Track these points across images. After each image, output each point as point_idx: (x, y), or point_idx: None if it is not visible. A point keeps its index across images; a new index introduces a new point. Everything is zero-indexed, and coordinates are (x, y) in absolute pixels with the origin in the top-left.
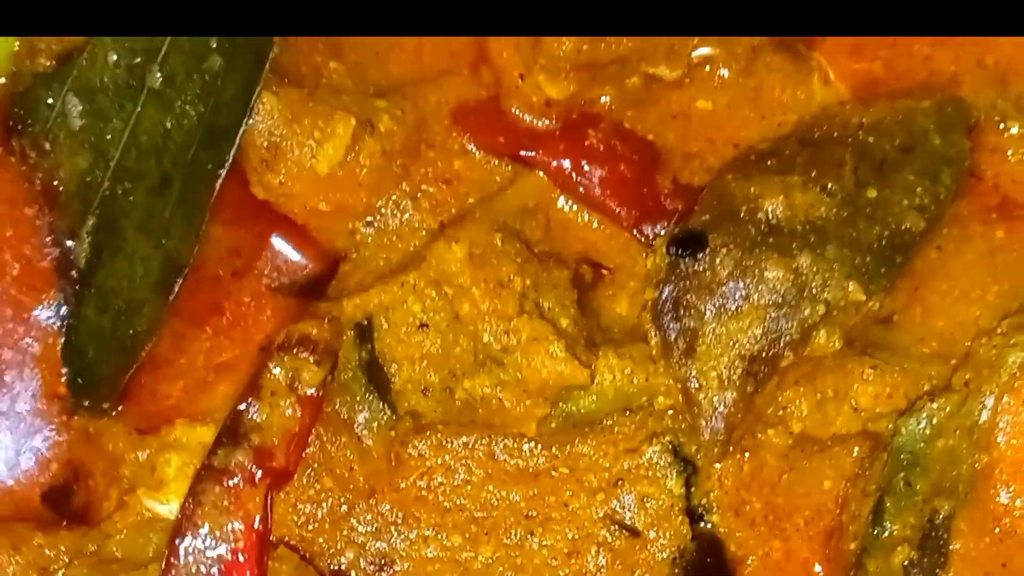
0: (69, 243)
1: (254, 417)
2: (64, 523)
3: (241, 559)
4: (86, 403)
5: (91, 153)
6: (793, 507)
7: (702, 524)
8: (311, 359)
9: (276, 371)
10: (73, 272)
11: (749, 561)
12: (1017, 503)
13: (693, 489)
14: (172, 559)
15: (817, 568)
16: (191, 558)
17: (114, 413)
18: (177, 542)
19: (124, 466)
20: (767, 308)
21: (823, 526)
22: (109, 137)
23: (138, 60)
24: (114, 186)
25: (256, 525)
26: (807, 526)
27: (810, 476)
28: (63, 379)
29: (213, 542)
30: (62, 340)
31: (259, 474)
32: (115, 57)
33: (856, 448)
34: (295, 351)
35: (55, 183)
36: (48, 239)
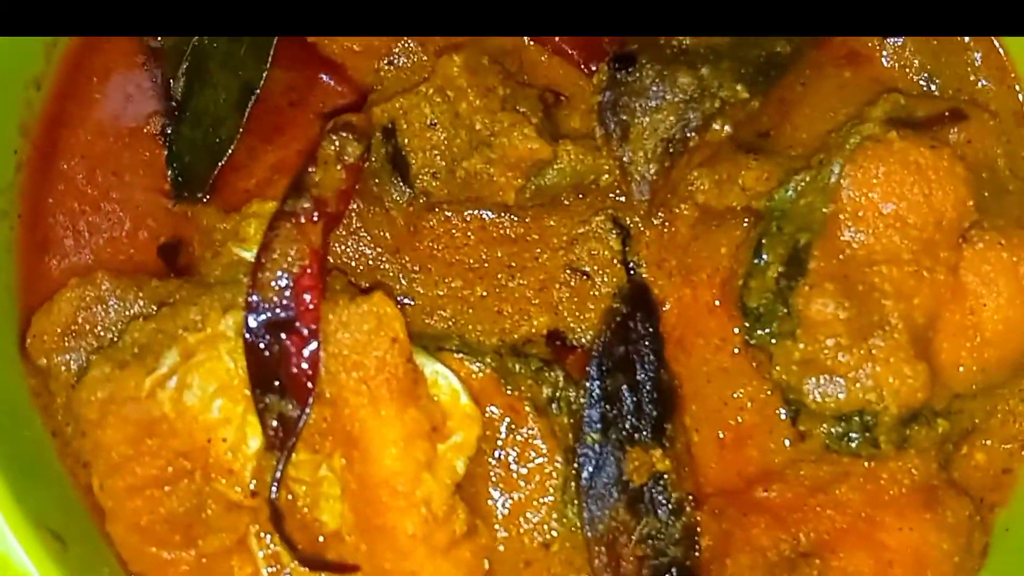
0: (170, 80)
1: (314, 177)
2: (172, 275)
3: (308, 272)
4: (184, 194)
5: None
6: (699, 265)
7: (634, 274)
8: (353, 138)
9: (329, 146)
10: (172, 102)
11: (667, 304)
12: (855, 236)
13: (627, 248)
14: (256, 274)
15: (716, 303)
16: (269, 274)
17: (205, 200)
18: (260, 260)
19: (215, 233)
20: (679, 104)
21: (720, 277)
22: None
23: None
24: (201, 38)
25: (318, 250)
26: (708, 278)
27: (711, 242)
28: (168, 178)
29: (286, 262)
30: (166, 150)
31: (316, 215)
32: None
33: (745, 220)
34: (342, 132)
35: (158, 39)
36: (155, 79)
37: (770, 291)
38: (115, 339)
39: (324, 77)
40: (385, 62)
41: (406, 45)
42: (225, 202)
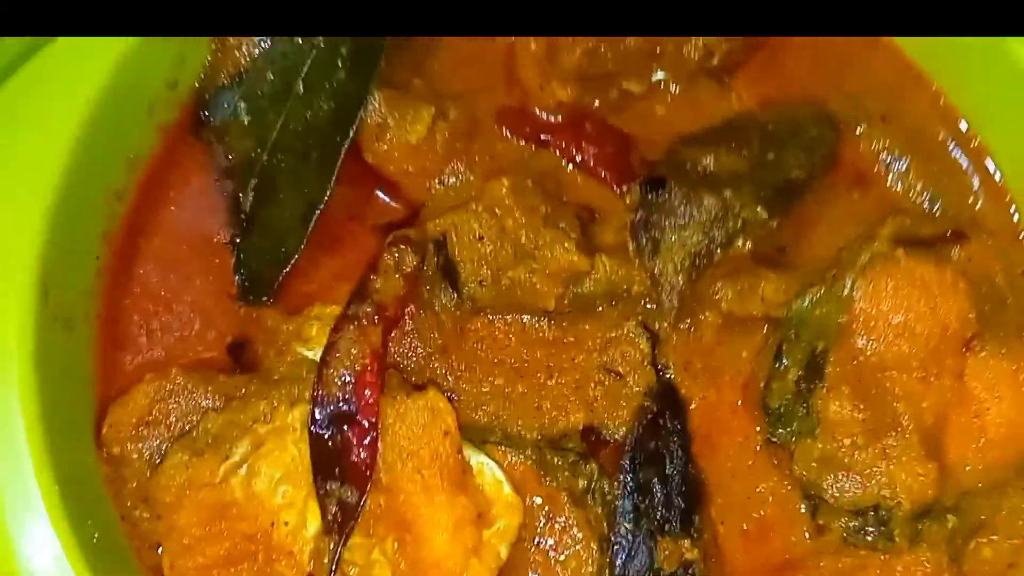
0: (240, 196)
1: (375, 285)
2: (238, 371)
3: (368, 370)
4: (250, 298)
5: (254, 138)
6: (722, 368)
7: (663, 375)
8: (410, 250)
9: (389, 258)
10: (241, 214)
11: (693, 403)
12: (867, 344)
13: (656, 352)
14: (321, 373)
15: (739, 403)
16: (334, 371)
17: (269, 303)
18: (325, 359)
19: (279, 333)
20: (704, 223)
21: (742, 380)
22: (267, 127)
23: (287, 77)
24: (271, 159)
25: (378, 350)
26: (731, 380)
27: (733, 347)
28: (235, 283)
29: (349, 361)
30: (234, 258)
31: (377, 319)
32: (271, 76)
33: (764, 328)
34: (401, 245)
35: (229, 158)
36: (225, 193)
37: (790, 393)
38: (187, 429)
39: (380, 194)
40: (436, 181)
41: (455, 167)
42: (287, 305)
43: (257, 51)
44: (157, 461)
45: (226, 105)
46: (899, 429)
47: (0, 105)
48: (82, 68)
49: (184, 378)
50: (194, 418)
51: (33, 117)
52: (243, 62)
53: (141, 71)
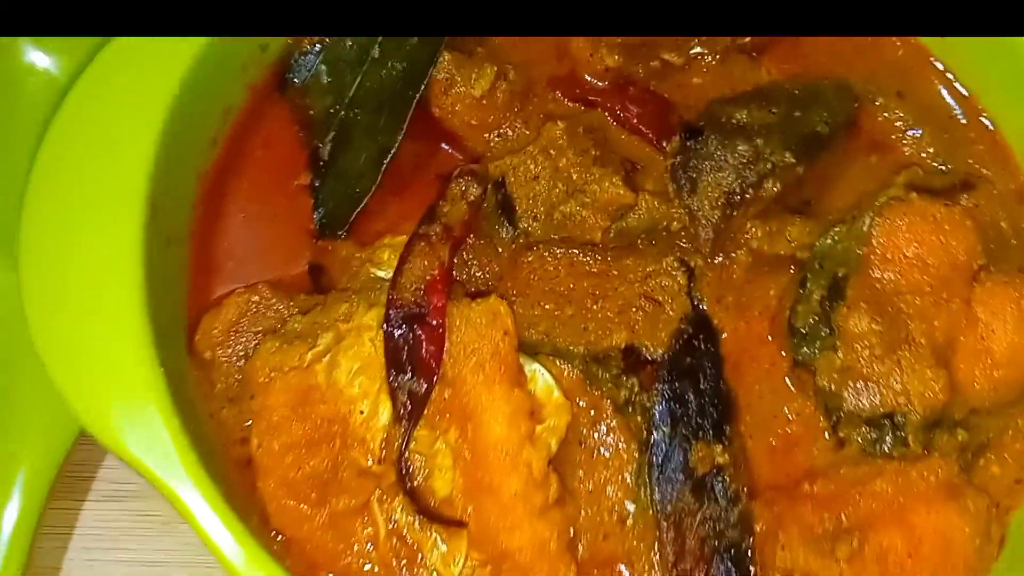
0: (319, 145)
1: (443, 209)
2: (316, 292)
3: (437, 279)
4: (327, 233)
5: (333, 96)
6: (751, 303)
7: (698, 305)
8: (474, 181)
9: (456, 187)
10: (320, 163)
11: (725, 333)
12: (884, 274)
13: (692, 285)
14: (395, 281)
15: (767, 334)
16: (406, 279)
17: (343, 237)
18: (399, 268)
19: (352, 261)
20: (738, 166)
21: (770, 313)
22: (345, 86)
23: (365, 44)
24: (348, 112)
25: (445, 264)
26: (760, 315)
27: (762, 285)
28: (314, 220)
29: (420, 270)
30: (312, 199)
31: (445, 238)
32: (350, 43)
33: (791, 268)
34: (466, 177)
35: (310, 113)
36: (305, 145)
37: (815, 313)
38: (277, 330)
39: (444, 146)
40: (495, 134)
41: (512, 123)
42: (359, 240)
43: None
44: (244, 361)
45: (309, 68)
46: (912, 343)
47: (116, 55)
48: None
49: (270, 292)
50: (278, 326)
51: (145, 67)
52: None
53: (236, 38)
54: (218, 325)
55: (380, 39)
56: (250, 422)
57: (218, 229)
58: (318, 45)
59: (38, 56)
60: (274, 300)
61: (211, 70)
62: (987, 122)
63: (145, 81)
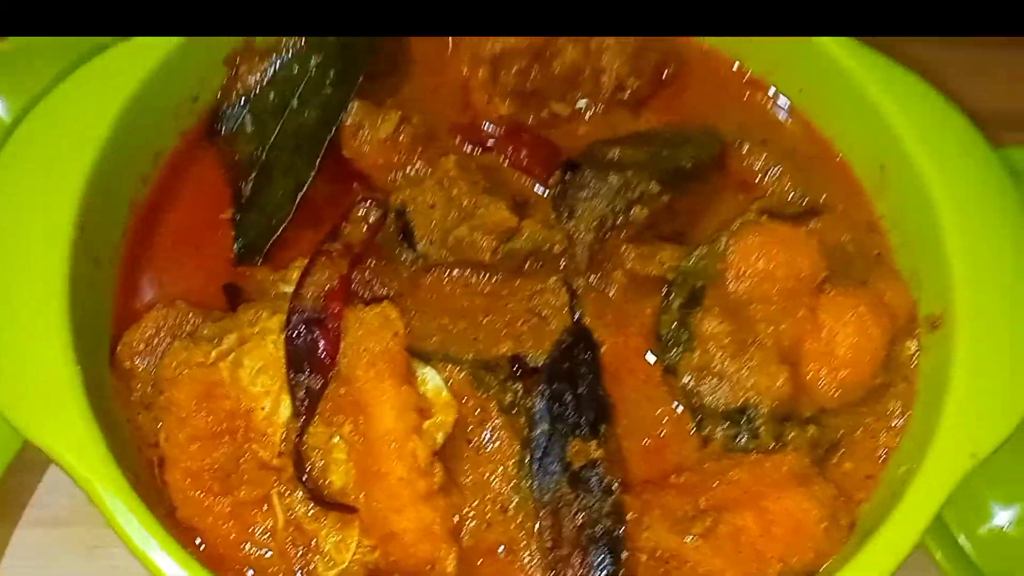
0: (242, 184)
1: (345, 229)
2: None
3: (336, 289)
4: (245, 260)
5: (256, 141)
6: (628, 321)
7: (578, 320)
8: (375, 206)
9: (358, 210)
10: (242, 199)
11: (605, 345)
12: (738, 286)
13: (575, 302)
14: (298, 290)
15: (642, 348)
16: (307, 289)
17: (259, 263)
18: (302, 280)
19: (266, 283)
20: (609, 194)
21: (645, 329)
22: (267, 134)
23: (286, 96)
24: (269, 154)
25: (344, 275)
26: (636, 330)
27: (638, 304)
28: (234, 249)
29: (320, 281)
30: (234, 231)
31: (345, 254)
32: (272, 96)
33: (663, 288)
34: (368, 201)
35: (236, 158)
36: (230, 184)
37: (675, 320)
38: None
39: (355, 185)
40: (400, 173)
41: (414, 163)
42: (274, 266)
43: (263, 77)
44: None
45: (236, 118)
46: (760, 345)
47: (57, 97)
48: (124, 76)
49: (187, 307)
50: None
51: (81, 108)
52: (251, 84)
53: (170, 85)
54: (137, 337)
55: (299, 91)
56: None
57: (146, 256)
58: (244, 97)
59: None
60: (191, 314)
61: (143, 116)
62: (841, 160)
63: (81, 123)
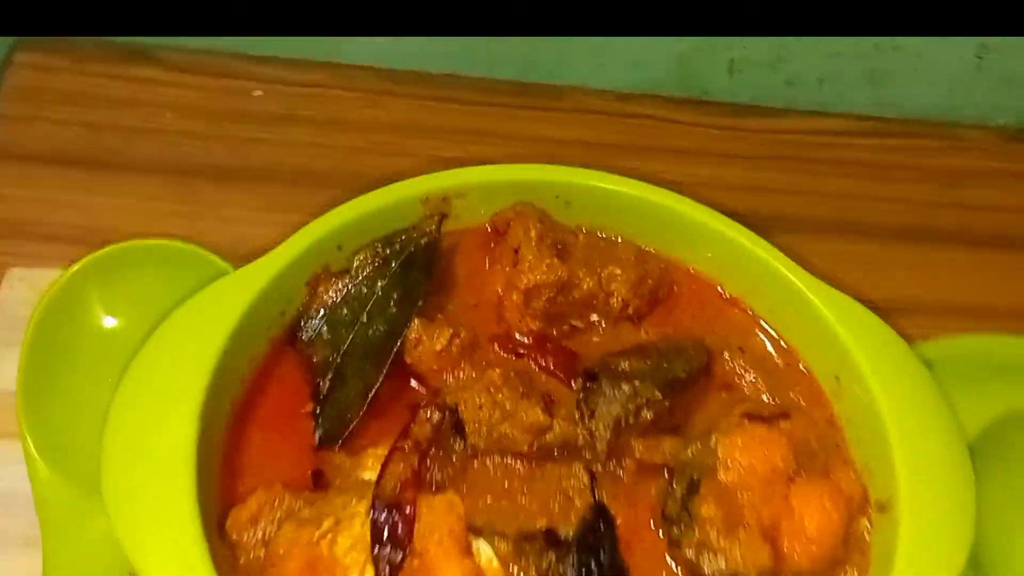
0: (319, 382)
1: (414, 429)
2: (316, 490)
3: (410, 480)
4: (324, 446)
5: (331, 347)
6: (638, 499)
7: (598, 499)
8: (436, 410)
9: (424, 413)
10: (320, 395)
11: (619, 520)
12: (726, 476)
13: (595, 484)
14: (379, 480)
15: (650, 521)
16: (387, 480)
17: (336, 449)
18: (382, 472)
19: (343, 467)
20: (623, 400)
21: (651, 505)
22: (340, 341)
23: (356, 312)
24: (342, 360)
25: (416, 468)
26: (644, 506)
27: (645, 485)
28: (315, 437)
29: (397, 473)
30: (314, 422)
31: (415, 450)
32: (345, 311)
33: (665, 472)
34: (431, 406)
35: (314, 360)
36: (309, 383)
37: (678, 504)
38: (290, 517)
39: (412, 383)
40: (451, 376)
41: (462, 367)
42: (349, 451)
43: (337, 295)
44: (266, 539)
45: (314, 328)
46: (746, 526)
47: (176, 321)
48: (231, 303)
49: (282, 490)
50: (288, 516)
51: (198, 331)
52: (327, 301)
53: (266, 305)
54: (244, 514)
55: (368, 308)
56: None
57: (242, 444)
58: (321, 311)
59: (109, 320)
60: (286, 496)
61: (245, 331)
62: (804, 369)
63: (198, 342)
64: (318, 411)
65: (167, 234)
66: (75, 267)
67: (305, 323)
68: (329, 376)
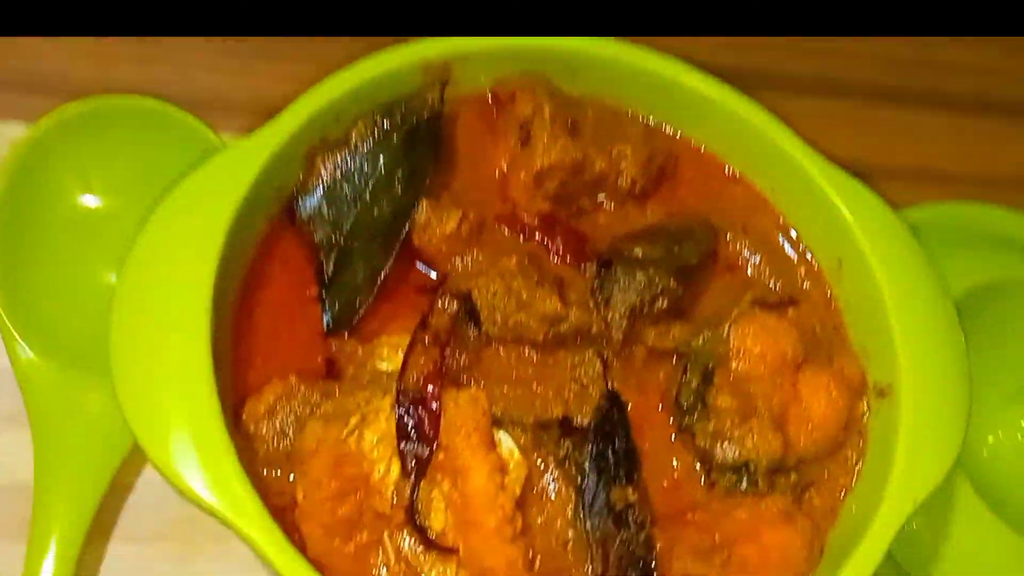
0: (323, 264)
1: (431, 320)
2: (328, 378)
3: (432, 373)
4: (334, 332)
5: (332, 226)
6: (647, 383)
7: (610, 386)
8: (454, 299)
9: (441, 303)
10: (325, 278)
11: (630, 405)
12: (738, 366)
13: (607, 371)
14: (401, 376)
15: (659, 406)
16: (410, 374)
17: (347, 336)
18: (404, 366)
19: (356, 355)
20: (638, 290)
21: (659, 390)
22: (342, 220)
23: (358, 189)
24: (346, 241)
25: (437, 361)
26: (653, 390)
27: (653, 370)
28: (323, 323)
29: (419, 367)
30: (321, 307)
31: (435, 342)
32: (346, 188)
33: (673, 357)
34: (449, 295)
35: (314, 238)
36: (312, 264)
37: (693, 393)
38: (308, 412)
39: (419, 264)
40: (458, 259)
41: (471, 249)
42: (359, 337)
43: (336, 170)
44: (288, 433)
45: (313, 205)
46: (758, 415)
47: (178, 201)
48: (235, 177)
49: (297, 381)
50: (307, 409)
51: (201, 211)
52: (325, 178)
53: (266, 181)
54: (260, 405)
55: (370, 187)
56: (292, 477)
57: (250, 331)
58: (320, 186)
59: (85, 196)
60: (301, 386)
61: (248, 211)
62: (805, 250)
63: (203, 222)
64: (324, 295)
65: (123, 84)
66: (38, 130)
67: (303, 199)
68: (333, 257)
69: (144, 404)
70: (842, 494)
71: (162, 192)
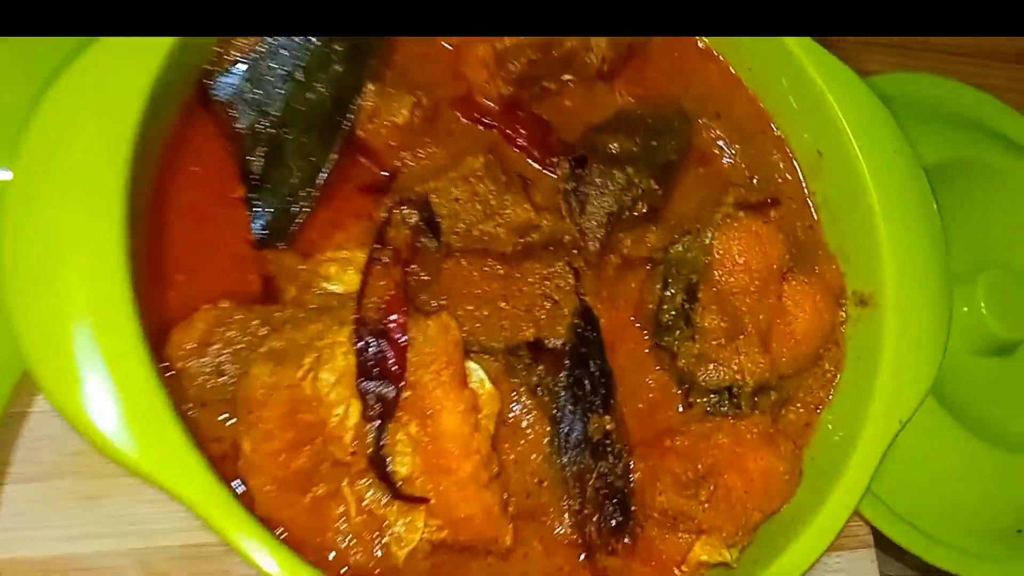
0: (250, 159)
1: (390, 233)
2: (266, 302)
3: (395, 298)
4: (268, 244)
5: (256, 111)
6: (619, 295)
7: (583, 300)
8: (413, 209)
9: (398, 213)
10: (252, 176)
11: (603, 320)
12: (723, 277)
13: (579, 284)
14: (361, 301)
15: (631, 319)
16: (369, 300)
17: (282, 248)
18: (362, 290)
19: (297, 272)
20: (616, 191)
21: (632, 302)
22: (270, 104)
23: (287, 66)
24: (276, 130)
25: (399, 282)
26: (625, 303)
27: (626, 280)
28: (253, 232)
29: (379, 292)
30: (251, 212)
31: (396, 260)
32: (272, 64)
33: (647, 265)
34: (406, 204)
35: (236, 128)
36: (235, 158)
37: (675, 310)
38: (247, 346)
39: (362, 159)
40: (410, 154)
41: (424, 141)
42: (298, 249)
43: (262, 44)
44: (226, 371)
45: (232, 84)
46: (745, 333)
47: (70, 86)
48: (136, 58)
49: (231, 305)
50: (246, 339)
51: (102, 97)
52: (246, 49)
53: (175, 60)
54: (188, 335)
55: (303, 64)
56: (229, 420)
57: (166, 241)
58: (240, 61)
59: None
60: (237, 313)
61: (158, 95)
62: (780, 137)
63: (106, 111)
64: (253, 197)
65: None
66: None
67: (220, 78)
68: (261, 150)
69: (44, 331)
70: (818, 408)
71: (56, 69)
